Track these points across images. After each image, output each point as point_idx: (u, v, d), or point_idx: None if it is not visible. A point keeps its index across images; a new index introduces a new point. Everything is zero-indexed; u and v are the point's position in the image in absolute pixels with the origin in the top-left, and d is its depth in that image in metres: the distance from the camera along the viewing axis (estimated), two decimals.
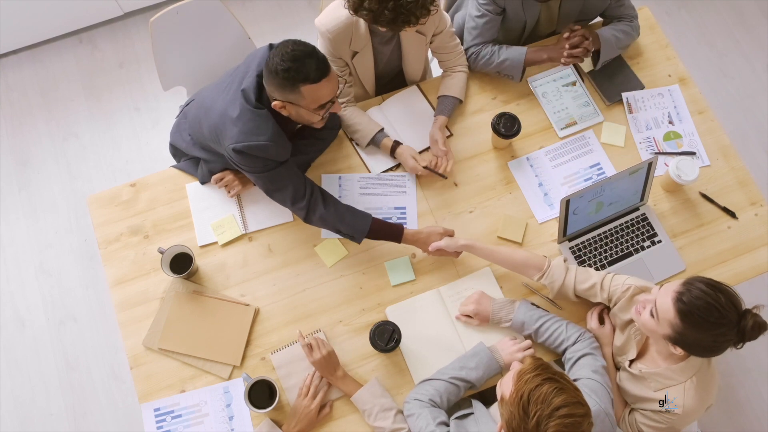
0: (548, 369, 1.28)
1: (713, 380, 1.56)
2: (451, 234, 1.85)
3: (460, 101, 2.06)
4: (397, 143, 1.99)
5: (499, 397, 1.35)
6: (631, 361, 1.64)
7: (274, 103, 1.63)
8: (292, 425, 1.70)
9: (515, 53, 2.03)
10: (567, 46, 1.98)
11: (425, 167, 1.95)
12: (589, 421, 1.25)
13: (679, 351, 1.45)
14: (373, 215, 1.91)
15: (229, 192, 1.96)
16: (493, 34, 2.06)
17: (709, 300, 1.36)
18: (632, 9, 2.08)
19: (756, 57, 3.10)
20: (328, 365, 1.71)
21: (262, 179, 1.76)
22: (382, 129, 2.01)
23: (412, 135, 2.05)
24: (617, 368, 1.71)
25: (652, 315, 1.45)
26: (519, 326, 1.75)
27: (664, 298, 1.42)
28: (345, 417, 1.76)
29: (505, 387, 1.31)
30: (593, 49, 2.01)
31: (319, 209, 1.78)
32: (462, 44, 2.10)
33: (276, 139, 1.68)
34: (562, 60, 1.98)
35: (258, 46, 2.35)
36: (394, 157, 2.00)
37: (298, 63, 1.53)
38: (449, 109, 2.03)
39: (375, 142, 2.00)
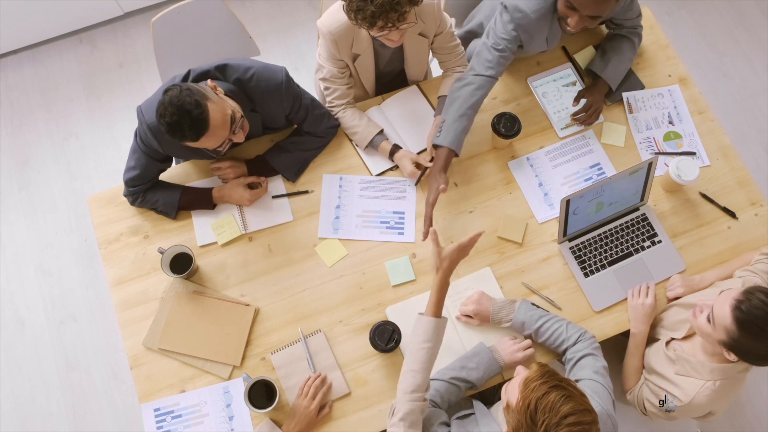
0: (555, 376, 1.27)
1: (734, 392, 1.59)
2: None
3: None
4: (396, 147, 1.98)
5: (504, 403, 1.34)
6: (671, 339, 1.68)
7: None
8: (292, 426, 1.70)
9: (449, 134, 1.85)
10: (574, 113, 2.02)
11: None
12: (597, 428, 1.25)
13: (732, 357, 1.46)
14: (369, 219, 1.91)
15: (224, 181, 1.98)
16: (500, 72, 1.91)
17: None
18: (637, 12, 2.01)
19: (756, 57, 3.10)
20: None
21: (133, 143, 1.83)
22: (382, 131, 2.01)
23: (412, 135, 2.05)
24: (655, 339, 1.75)
25: (708, 320, 1.46)
26: (519, 326, 1.75)
27: (723, 305, 1.43)
28: (345, 417, 1.76)
29: (511, 394, 1.30)
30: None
31: (136, 202, 1.93)
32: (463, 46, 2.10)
33: (155, 129, 1.72)
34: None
35: (258, 46, 2.37)
36: (393, 161, 2.00)
37: (173, 129, 1.52)
38: None
39: (373, 145, 2.00)
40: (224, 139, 1.62)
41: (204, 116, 1.53)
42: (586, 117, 2.02)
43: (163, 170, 1.93)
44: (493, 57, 1.87)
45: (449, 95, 1.91)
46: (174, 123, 1.51)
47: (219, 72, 1.71)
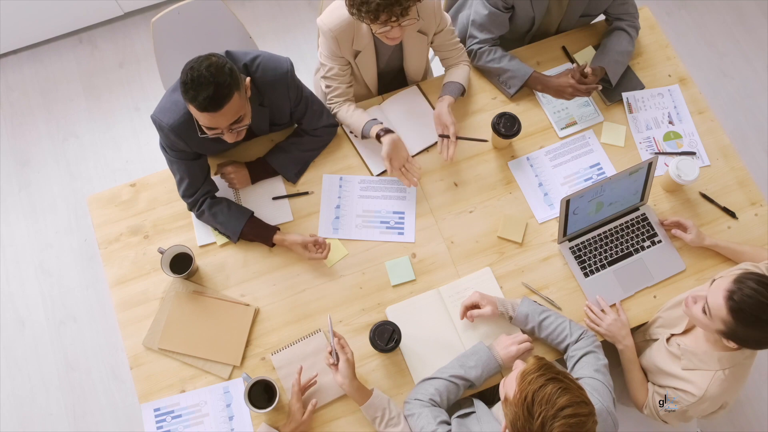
0: (551, 369, 1.28)
1: (743, 379, 1.59)
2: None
3: (464, 89, 2.04)
4: (386, 131, 1.91)
5: (502, 397, 1.34)
6: (671, 335, 1.67)
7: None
8: (286, 426, 1.69)
9: (521, 70, 2.04)
10: (573, 80, 1.99)
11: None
12: (594, 420, 1.25)
13: (732, 345, 1.47)
14: (369, 219, 1.91)
15: (230, 185, 1.98)
16: (502, 30, 2.07)
17: (761, 298, 1.38)
18: (633, 7, 2.08)
19: (756, 57, 3.11)
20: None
21: (165, 157, 1.81)
22: (374, 119, 1.96)
23: (412, 135, 2.05)
24: (653, 339, 1.74)
25: (704, 311, 1.47)
26: (522, 319, 1.74)
27: (716, 297, 1.43)
28: (345, 417, 1.76)
29: (509, 387, 1.31)
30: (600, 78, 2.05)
31: (204, 213, 1.88)
32: (465, 43, 2.10)
33: (176, 128, 1.69)
34: (567, 97, 2.03)
35: (258, 46, 2.36)
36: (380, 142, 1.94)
37: (194, 84, 1.49)
38: (455, 91, 2.00)
39: (365, 132, 1.96)
40: (220, 128, 1.60)
41: (223, 100, 1.51)
42: (589, 84, 1.99)
43: (206, 166, 1.88)
44: (483, 21, 2.04)
45: (505, 71, 2.05)
46: (195, 81, 1.48)
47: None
